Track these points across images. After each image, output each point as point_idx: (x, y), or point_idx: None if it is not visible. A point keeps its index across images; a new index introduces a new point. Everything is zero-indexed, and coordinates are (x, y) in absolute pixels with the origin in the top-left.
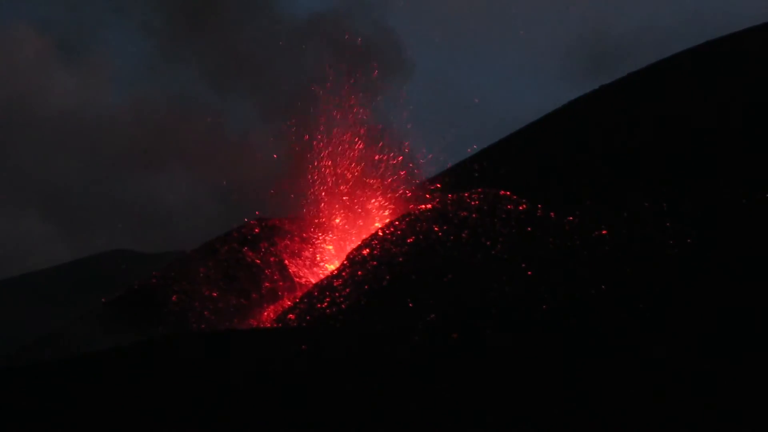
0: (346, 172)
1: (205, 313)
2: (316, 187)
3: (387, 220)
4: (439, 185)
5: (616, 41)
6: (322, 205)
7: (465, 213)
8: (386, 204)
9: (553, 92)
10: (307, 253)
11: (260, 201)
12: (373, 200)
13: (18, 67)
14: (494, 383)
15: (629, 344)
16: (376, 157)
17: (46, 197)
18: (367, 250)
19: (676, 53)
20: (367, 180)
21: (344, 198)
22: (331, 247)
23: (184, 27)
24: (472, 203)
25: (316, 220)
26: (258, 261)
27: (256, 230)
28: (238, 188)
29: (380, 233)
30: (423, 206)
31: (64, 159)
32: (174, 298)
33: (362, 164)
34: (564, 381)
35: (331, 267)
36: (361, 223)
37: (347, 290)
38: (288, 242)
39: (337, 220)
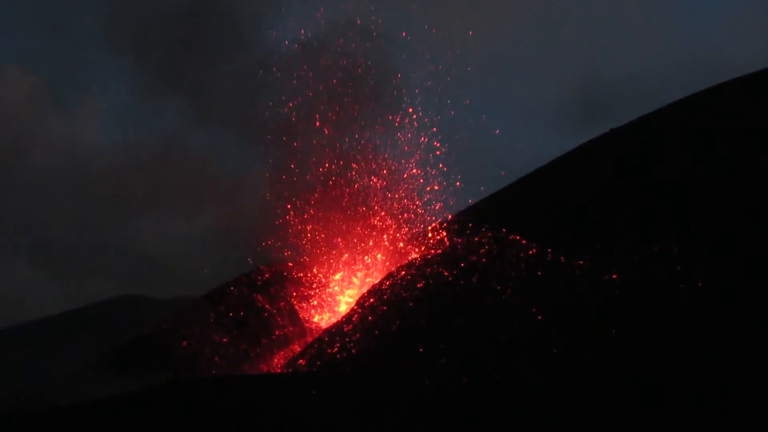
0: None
1: (216, 358)
2: (320, 230)
3: (396, 265)
4: (444, 231)
5: (609, 87)
6: (328, 249)
7: (474, 257)
8: (393, 249)
9: (549, 138)
10: (317, 299)
11: (265, 245)
12: (381, 245)
13: (6, 110)
14: (504, 427)
15: (638, 389)
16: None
17: (37, 244)
18: (377, 294)
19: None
20: (374, 222)
21: (351, 242)
22: (341, 293)
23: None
24: (482, 249)
25: (325, 266)
26: (268, 306)
27: (266, 275)
28: (239, 230)
29: (390, 278)
30: (432, 251)
31: (55, 205)
32: (184, 343)
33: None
34: (574, 425)
35: (341, 311)
36: (371, 268)
37: (357, 335)
38: (298, 287)
39: (339, 267)
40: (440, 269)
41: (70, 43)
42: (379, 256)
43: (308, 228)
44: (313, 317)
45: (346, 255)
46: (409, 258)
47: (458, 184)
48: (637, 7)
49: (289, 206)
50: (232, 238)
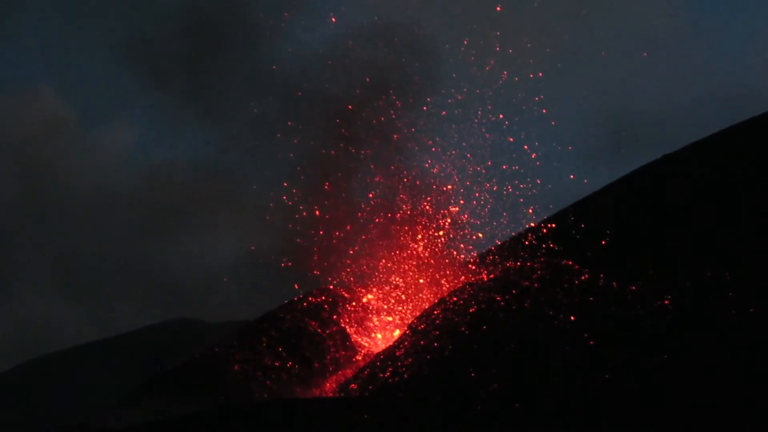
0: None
1: (268, 382)
2: (368, 255)
3: (449, 290)
4: (497, 256)
5: (649, 117)
6: (378, 274)
7: (527, 282)
8: (447, 273)
9: (585, 168)
10: (369, 323)
11: (317, 269)
12: (430, 269)
13: (36, 129)
14: None
15: (694, 415)
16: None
17: (65, 269)
18: (429, 319)
19: (738, 123)
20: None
21: (403, 268)
22: (392, 317)
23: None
24: (534, 274)
25: (376, 290)
26: (320, 330)
27: (319, 299)
28: (288, 254)
29: (442, 303)
30: (485, 275)
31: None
32: (236, 367)
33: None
34: None
35: (394, 336)
36: (422, 293)
37: (409, 360)
38: (350, 311)
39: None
40: (492, 294)
41: (98, 64)
42: (425, 279)
43: (356, 252)
44: (365, 342)
45: (397, 279)
46: (461, 283)
47: (504, 214)
48: (667, 38)
49: (337, 233)
50: (274, 262)
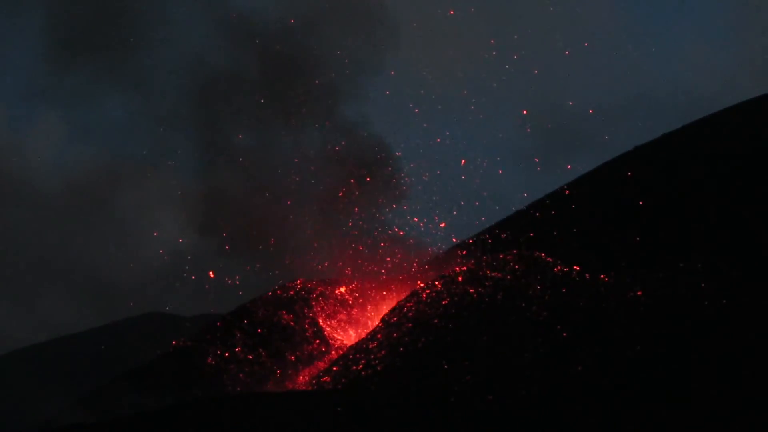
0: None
1: (241, 375)
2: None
3: (421, 282)
4: (469, 249)
5: (577, 117)
6: (353, 267)
7: (499, 274)
8: (419, 266)
9: (517, 168)
10: (342, 316)
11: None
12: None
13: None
14: None
15: (664, 406)
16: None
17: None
18: (402, 312)
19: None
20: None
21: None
22: (365, 310)
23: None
24: (507, 266)
25: (352, 284)
26: (293, 323)
27: (291, 292)
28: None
29: (414, 295)
30: (457, 268)
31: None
32: (209, 360)
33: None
34: None
35: (366, 329)
36: (395, 285)
37: (382, 352)
38: (323, 304)
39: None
40: (465, 287)
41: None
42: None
43: (333, 245)
44: (338, 334)
45: (370, 270)
46: (434, 275)
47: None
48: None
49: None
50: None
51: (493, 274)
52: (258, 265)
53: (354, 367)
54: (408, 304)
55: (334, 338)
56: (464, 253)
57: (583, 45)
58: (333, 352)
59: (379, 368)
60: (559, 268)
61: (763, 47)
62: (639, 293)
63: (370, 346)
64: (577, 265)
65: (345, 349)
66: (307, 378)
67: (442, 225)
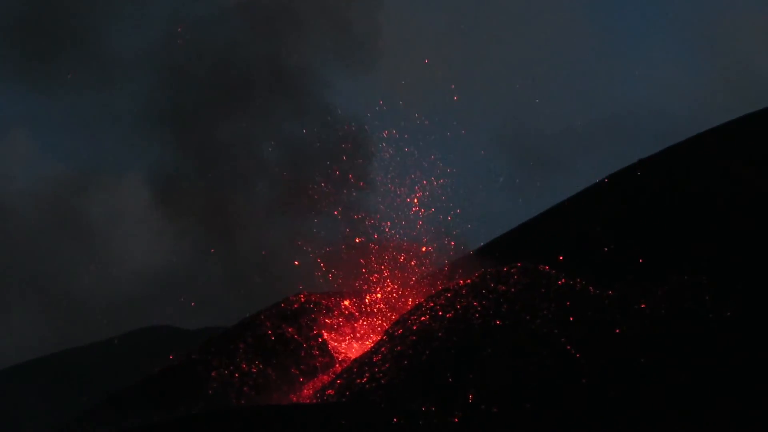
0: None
1: (245, 389)
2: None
3: (425, 295)
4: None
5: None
6: (360, 280)
7: (504, 287)
8: (423, 279)
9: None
10: (346, 329)
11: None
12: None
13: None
14: None
15: (673, 417)
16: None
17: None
18: (406, 325)
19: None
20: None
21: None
22: (370, 323)
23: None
24: (511, 279)
25: (355, 298)
26: (298, 337)
27: (296, 306)
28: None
29: (418, 308)
30: (462, 281)
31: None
32: (213, 373)
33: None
34: None
35: (370, 342)
36: (400, 298)
37: (386, 365)
38: (328, 318)
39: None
40: (469, 300)
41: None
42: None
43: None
44: (342, 347)
45: (375, 282)
46: (438, 289)
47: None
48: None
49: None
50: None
51: (497, 286)
52: (257, 279)
53: (358, 380)
54: (412, 317)
55: (338, 351)
56: (468, 265)
57: (555, 67)
58: (337, 365)
59: (383, 381)
60: (563, 280)
61: (735, 68)
62: (643, 306)
63: (374, 359)
64: (581, 278)
65: (349, 362)
66: (311, 391)
67: (450, 241)
